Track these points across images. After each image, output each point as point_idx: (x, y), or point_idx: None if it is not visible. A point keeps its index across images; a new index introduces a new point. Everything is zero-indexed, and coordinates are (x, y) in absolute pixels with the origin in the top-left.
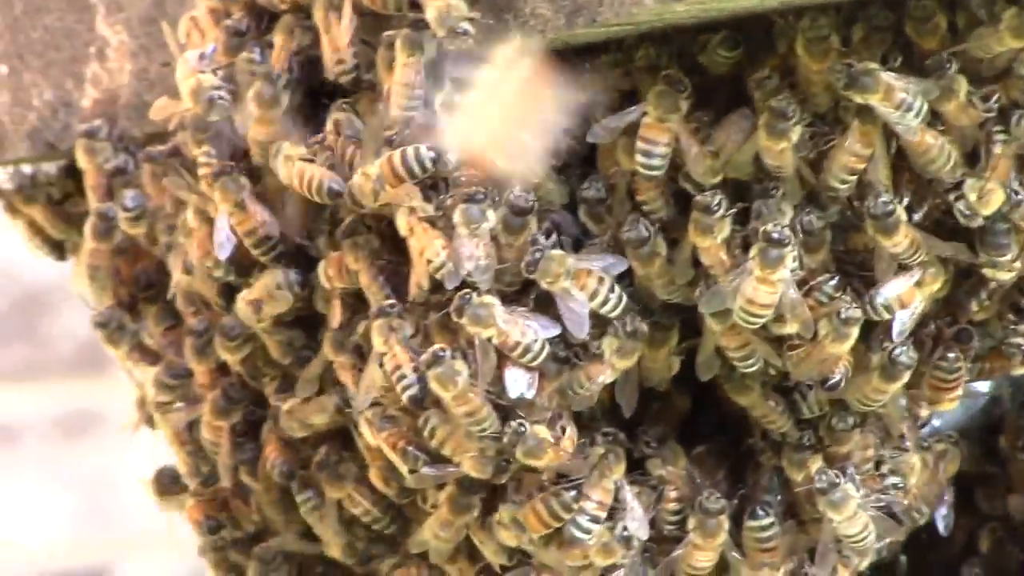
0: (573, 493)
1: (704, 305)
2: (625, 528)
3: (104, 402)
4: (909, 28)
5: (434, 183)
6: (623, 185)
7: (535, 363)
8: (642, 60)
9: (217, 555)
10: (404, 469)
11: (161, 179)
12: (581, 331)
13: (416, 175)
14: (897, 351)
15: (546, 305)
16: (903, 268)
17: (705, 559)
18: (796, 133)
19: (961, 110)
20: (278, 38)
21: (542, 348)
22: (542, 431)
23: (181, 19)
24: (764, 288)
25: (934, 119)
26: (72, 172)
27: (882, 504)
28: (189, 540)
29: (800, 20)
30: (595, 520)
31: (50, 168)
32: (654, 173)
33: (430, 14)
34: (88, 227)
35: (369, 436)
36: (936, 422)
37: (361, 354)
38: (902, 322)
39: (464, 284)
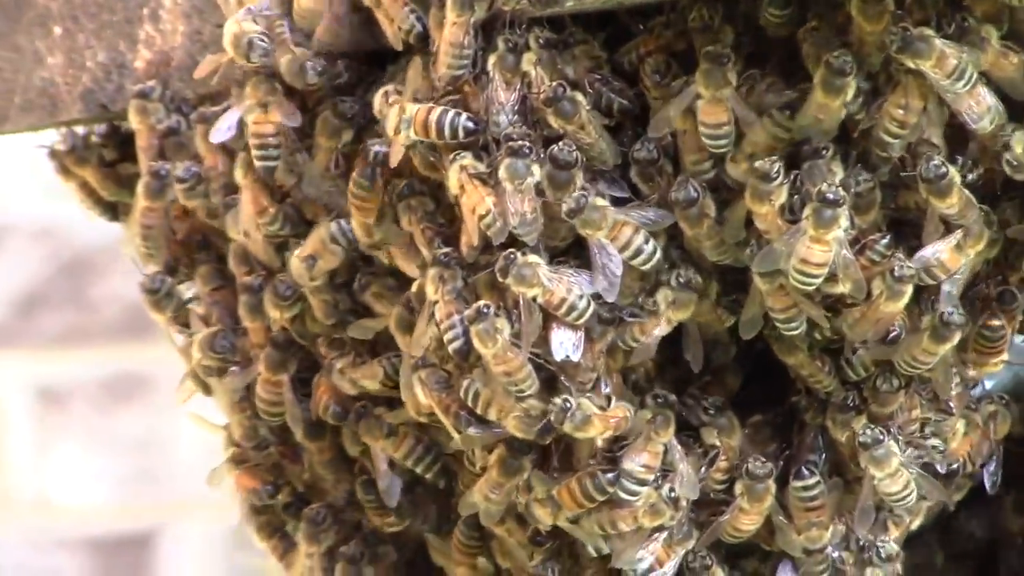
0: (611, 475)
1: (757, 264)
2: (672, 489)
3: (151, 366)
4: None
5: (485, 144)
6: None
7: (580, 321)
8: (696, 21)
9: (262, 519)
10: (453, 432)
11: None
12: (613, 288)
13: (445, 138)
14: (948, 312)
15: (589, 263)
16: (948, 229)
17: (751, 523)
18: (852, 89)
19: (998, 60)
20: None
21: (588, 305)
22: (587, 405)
23: None
24: (818, 248)
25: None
26: (125, 135)
27: (926, 463)
28: (233, 506)
29: None
30: (642, 483)
31: (102, 129)
32: (724, 151)
33: None
34: (141, 186)
35: (421, 396)
36: (988, 383)
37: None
38: (950, 289)
39: (512, 242)
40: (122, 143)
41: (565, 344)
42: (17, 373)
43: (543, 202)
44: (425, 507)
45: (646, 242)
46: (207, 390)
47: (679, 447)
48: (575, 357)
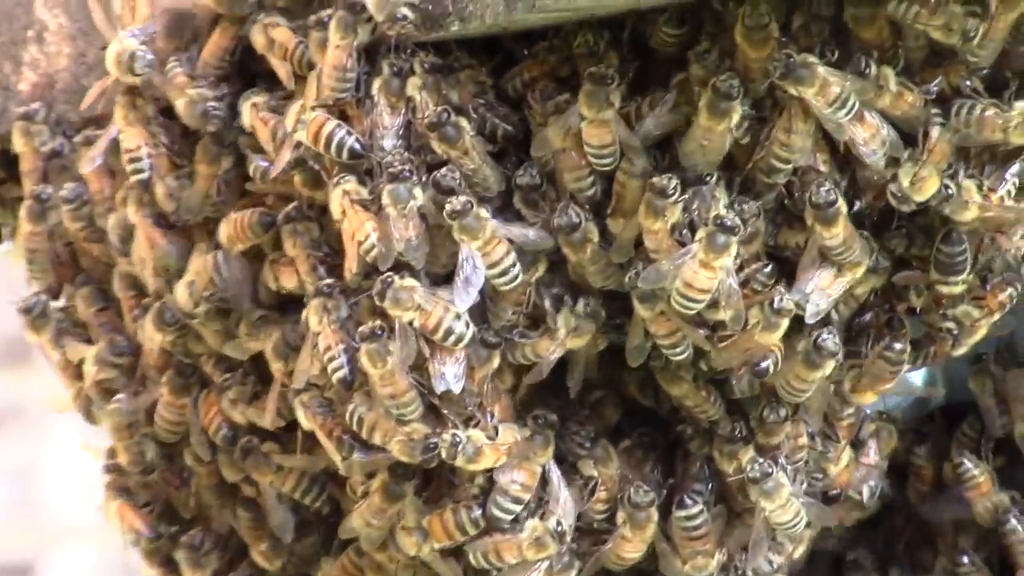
0: (479, 512)
1: (640, 280)
2: (559, 523)
3: (26, 394)
4: (849, 17)
5: (369, 168)
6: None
7: (460, 346)
8: (580, 47)
9: (150, 547)
10: (337, 457)
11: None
12: (466, 298)
13: (331, 152)
14: (823, 337)
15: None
16: (824, 260)
17: (634, 551)
18: (737, 113)
19: (896, 101)
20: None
21: (466, 329)
22: (478, 436)
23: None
24: (704, 273)
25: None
26: (7, 158)
27: (814, 491)
28: (114, 532)
29: (739, 6)
30: (516, 501)
31: None
32: (608, 169)
33: None
34: (24, 210)
35: (304, 420)
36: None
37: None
38: (816, 303)
39: (396, 267)
40: (6, 164)
41: (446, 375)
42: None
43: (425, 227)
44: (310, 533)
45: (513, 265)
46: (92, 418)
47: (558, 472)
48: (456, 389)
